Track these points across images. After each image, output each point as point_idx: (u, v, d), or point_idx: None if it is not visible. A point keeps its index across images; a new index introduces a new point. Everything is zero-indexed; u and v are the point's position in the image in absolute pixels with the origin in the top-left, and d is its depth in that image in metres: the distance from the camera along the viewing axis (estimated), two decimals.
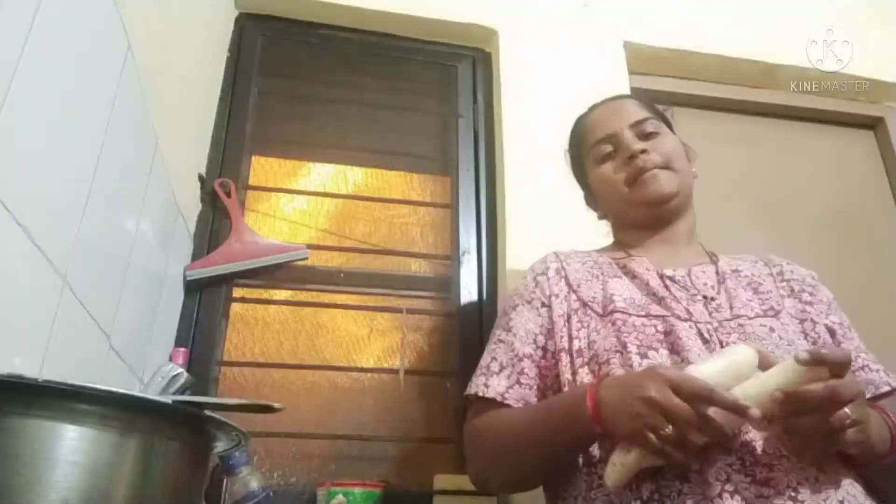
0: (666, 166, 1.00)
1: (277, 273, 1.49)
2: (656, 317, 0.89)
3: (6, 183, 0.61)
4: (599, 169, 1.06)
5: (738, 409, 0.68)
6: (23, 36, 0.63)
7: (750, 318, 0.90)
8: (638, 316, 0.89)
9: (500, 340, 0.98)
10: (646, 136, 1.03)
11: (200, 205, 1.49)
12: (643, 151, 1.00)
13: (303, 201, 1.64)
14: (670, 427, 0.68)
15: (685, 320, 0.88)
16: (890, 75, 1.98)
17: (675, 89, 1.91)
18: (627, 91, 1.74)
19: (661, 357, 0.84)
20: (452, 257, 1.60)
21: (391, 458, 1.41)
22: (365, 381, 1.49)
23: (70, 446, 0.51)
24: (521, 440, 0.87)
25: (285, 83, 1.76)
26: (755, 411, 0.67)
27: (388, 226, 1.65)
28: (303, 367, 1.47)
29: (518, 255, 1.49)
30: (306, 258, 1.50)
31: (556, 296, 0.98)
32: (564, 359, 0.91)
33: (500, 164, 1.65)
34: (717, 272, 0.99)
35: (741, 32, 1.93)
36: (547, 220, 1.51)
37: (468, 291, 1.55)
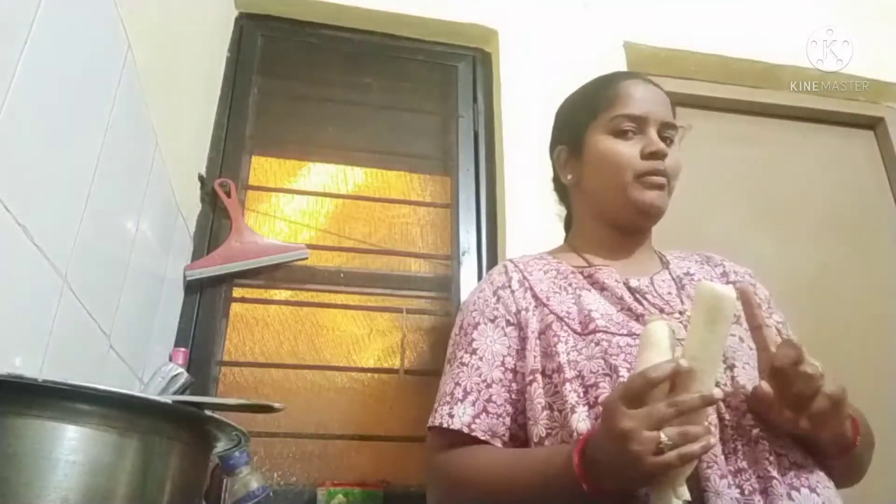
0: (669, 182, 0.96)
1: (277, 273, 1.49)
2: (638, 336, 0.82)
3: (6, 183, 0.61)
4: (612, 141, 0.96)
5: (677, 372, 0.66)
6: (23, 36, 0.63)
7: None
8: (621, 335, 0.83)
9: (464, 364, 0.89)
10: (664, 141, 0.96)
11: (200, 205, 1.49)
12: (665, 156, 0.94)
13: (303, 201, 1.64)
14: (663, 435, 0.65)
15: None
16: (890, 75, 1.98)
17: (675, 89, 1.90)
18: None
19: None
20: (452, 257, 1.60)
21: (391, 458, 1.41)
22: (365, 381, 1.49)
23: (70, 446, 0.51)
24: (500, 489, 0.79)
25: (285, 83, 1.76)
26: (683, 362, 0.66)
27: (388, 226, 1.65)
28: (303, 367, 1.47)
29: (518, 255, 1.49)
30: (306, 258, 1.50)
31: (525, 310, 0.91)
32: (539, 380, 0.84)
33: (500, 164, 1.65)
34: (672, 278, 0.96)
35: (741, 32, 1.93)
36: (547, 220, 1.51)
37: (468, 291, 1.54)
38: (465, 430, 0.84)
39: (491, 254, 1.59)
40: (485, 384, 0.86)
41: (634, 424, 0.65)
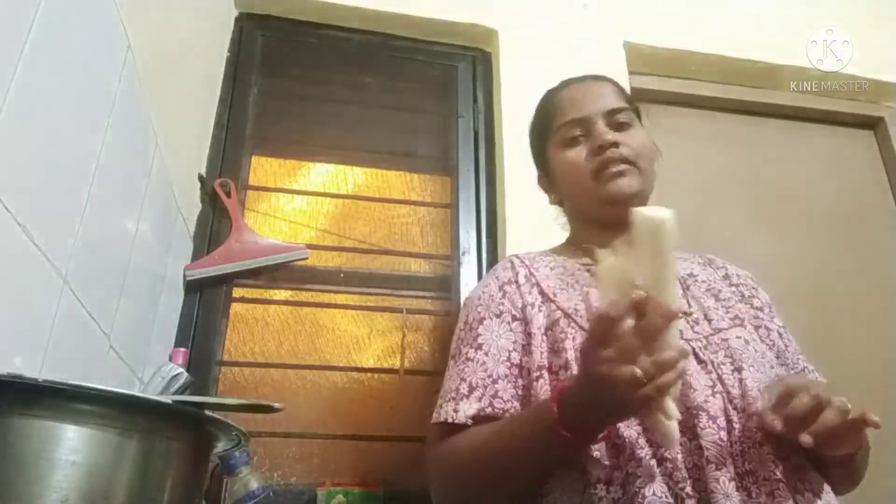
0: (633, 163, 0.94)
1: (277, 273, 1.49)
2: None
3: (6, 183, 0.61)
4: (564, 153, 0.98)
5: (636, 303, 0.65)
6: (23, 36, 0.63)
7: (727, 330, 0.87)
8: None
9: (469, 359, 0.87)
10: (618, 127, 0.96)
11: (200, 205, 1.49)
12: (614, 144, 0.93)
13: (303, 201, 1.64)
14: (637, 370, 0.63)
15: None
16: (890, 75, 1.98)
17: (675, 89, 1.92)
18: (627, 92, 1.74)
19: None
20: (452, 257, 1.60)
21: (391, 458, 1.41)
22: (365, 381, 1.49)
23: (70, 446, 0.51)
24: (494, 461, 0.79)
25: (285, 83, 1.76)
26: (638, 292, 0.65)
27: (388, 226, 1.65)
28: (303, 367, 1.47)
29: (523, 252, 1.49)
30: (306, 258, 1.50)
31: (532, 305, 0.90)
32: (546, 376, 0.83)
33: (500, 164, 1.65)
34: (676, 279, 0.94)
35: (741, 32, 1.93)
36: (547, 220, 1.51)
37: (468, 291, 1.54)
38: (469, 423, 0.82)
39: (491, 254, 1.59)
40: (490, 379, 0.84)
41: (608, 365, 0.64)
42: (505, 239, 1.55)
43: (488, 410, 0.82)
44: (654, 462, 0.73)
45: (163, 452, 0.58)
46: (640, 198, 0.96)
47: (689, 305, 0.90)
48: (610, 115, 0.97)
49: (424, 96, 1.81)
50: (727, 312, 0.90)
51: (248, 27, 1.72)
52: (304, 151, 1.70)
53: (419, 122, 1.79)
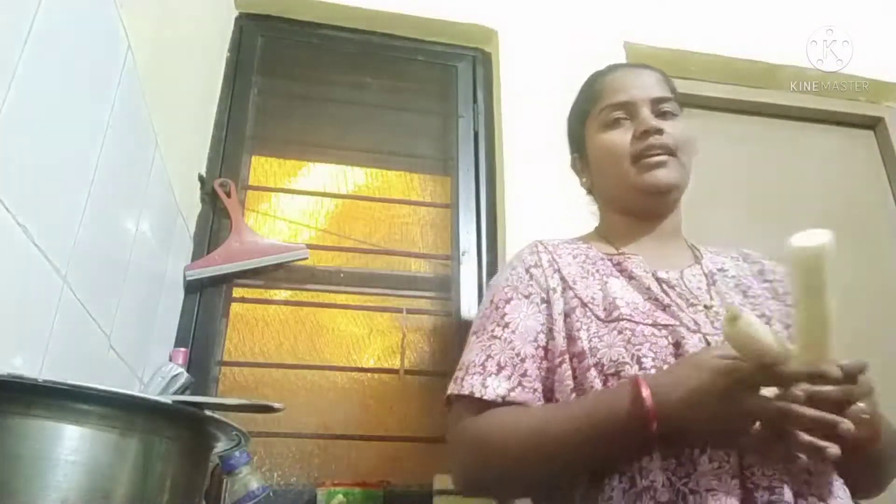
0: (674, 153, 0.93)
1: (277, 273, 1.49)
2: (664, 326, 0.82)
3: (6, 183, 0.61)
4: (605, 134, 0.97)
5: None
6: (23, 36, 0.63)
7: None
8: (646, 325, 0.81)
9: (496, 337, 0.86)
10: (662, 115, 0.95)
11: (200, 205, 1.49)
12: (658, 131, 0.92)
13: (303, 201, 1.64)
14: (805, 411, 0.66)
15: (694, 332, 0.81)
16: (890, 75, 1.98)
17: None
18: None
19: None
20: (452, 257, 1.60)
21: (391, 458, 1.41)
22: (365, 381, 1.49)
23: (70, 446, 0.50)
24: (543, 439, 0.76)
25: (285, 83, 1.76)
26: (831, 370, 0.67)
27: (388, 226, 1.65)
28: (303, 367, 1.47)
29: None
30: (306, 258, 1.50)
31: (554, 290, 0.89)
32: (568, 361, 0.83)
33: (500, 164, 1.65)
34: (703, 273, 0.94)
35: (741, 32, 1.93)
36: (547, 219, 1.51)
37: (468, 291, 1.55)
38: (500, 401, 0.80)
39: (491, 254, 1.59)
40: (519, 358, 0.83)
41: (758, 409, 0.67)
42: (505, 239, 1.54)
43: (518, 391, 0.81)
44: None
45: (163, 452, 0.57)
46: (677, 191, 0.95)
47: (712, 298, 0.89)
48: (656, 102, 0.96)
49: (424, 96, 1.81)
50: (753, 310, 0.89)
51: (248, 27, 1.72)
52: (304, 151, 1.70)
53: (419, 122, 1.79)
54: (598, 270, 0.92)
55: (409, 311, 1.54)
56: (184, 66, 1.27)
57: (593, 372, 0.80)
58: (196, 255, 1.43)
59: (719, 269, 0.96)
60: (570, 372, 0.82)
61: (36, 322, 0.71)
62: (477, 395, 0.81)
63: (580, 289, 0.89)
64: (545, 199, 1.54)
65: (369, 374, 1.50)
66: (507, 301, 0.90)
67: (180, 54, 1.23)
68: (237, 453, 1.10)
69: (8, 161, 0.62)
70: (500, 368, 0.83)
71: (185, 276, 1.38)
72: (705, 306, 0.87)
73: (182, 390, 1.05)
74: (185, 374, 1.11)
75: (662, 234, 0.98)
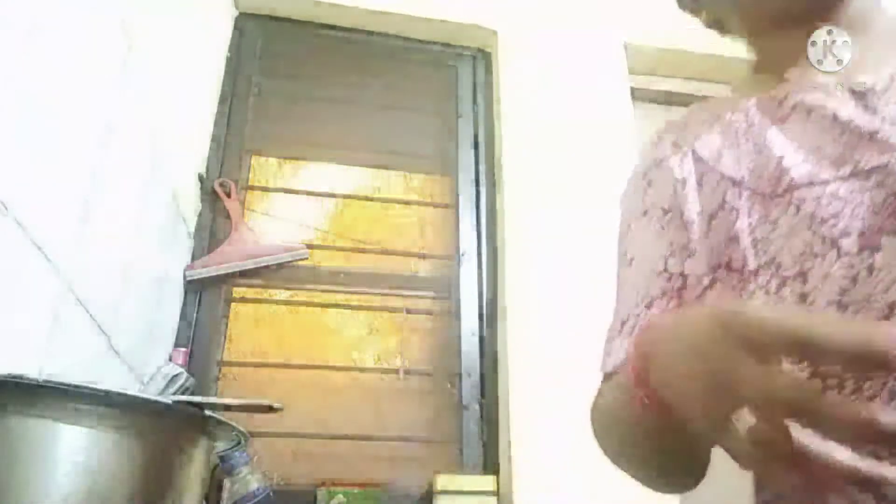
0: None
1: (277, 273, 1.49)
2: (869, 172, 0.52)
3: (6, 183, 0.61)
4: None
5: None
6: (23, 36, 0.63)
7: None
8: (839, 180, 0.53)
9: (622, 282, 0.67)
10: None
11: (200, 205, 1.49)
12: None
13: (303, 201, 1.64)
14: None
15: None
16: None
17: (675, 89, 1.91)
18: (627, 94, 1.74)
19: None
20: (452, 257, 1.60)
21: (391, 458, 1.41)
22: (365, 381, 1.49)
23: (70, 446, 0.51)
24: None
25: (285, 83, 1.76)
26: None
27: (388, 226, 1.65)
28: (303, 367, 1.47)
29: (518, 255, 1.49)
30: (306, 258, 1.50)
31: (683, 183, 0.63)
32: (724, 278, 0.59)
33: (499, 164, 1.65)
34: None
35: None
36: (547, 219, 1.51)
37: (468, 291, 1.55)
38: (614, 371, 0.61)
39: (491, 254, 1.59)
40: (644, 303, 0.61)
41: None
42: (505, 239, 1.54)
43: None
44: None
45: (163, 452, 0.58)
46: None
47: None
48: None
49: (424, 96, 1.81)
50: None
51: (248, 27, 1.72)
52: (304, 151, 1.70)
53: (419, 123, 1.79)
54: (750, 126, 0.64)
55: (409, 311, 1.54)
56: (184, 66, 1.27)
57: (759, 281, 0.56)
58: (196, 256, 1.43)
59: None
60: (727, 293, 0.59)
61: (36, 322, 0.71)
62: (600, 369, 0.65)
63: (728, 164, 0.63)
64: (545, 199, 1.54)
65: (369, 374, 1.50)
66: (628, 227, 0.70)
67: (180, 54, 1.23)
68: (237, 453, 1.10)
69: (8, 161, 0.62)
70: (623, 323, 0.64)
71: (185, 276, 1.38)
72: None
73: (182, 390, 1.05)
74: (185, 374, 1.11)
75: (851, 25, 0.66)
